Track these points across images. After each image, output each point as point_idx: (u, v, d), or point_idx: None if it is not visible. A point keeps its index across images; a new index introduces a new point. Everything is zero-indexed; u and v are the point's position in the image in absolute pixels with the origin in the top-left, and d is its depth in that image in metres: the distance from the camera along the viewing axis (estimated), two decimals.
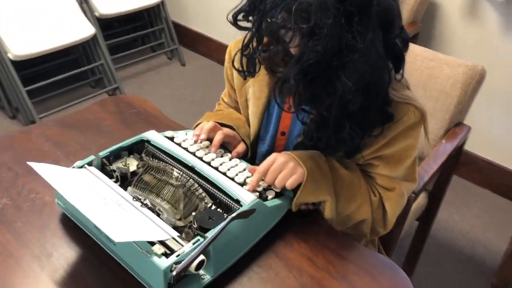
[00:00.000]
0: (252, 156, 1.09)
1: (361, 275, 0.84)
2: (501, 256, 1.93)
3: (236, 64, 0.95)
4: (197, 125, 1.07)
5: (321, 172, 0.90)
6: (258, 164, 0.91)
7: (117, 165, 0.93)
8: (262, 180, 0.90)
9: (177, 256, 0.73)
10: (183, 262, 0.72)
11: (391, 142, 0.92)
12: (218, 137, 0.97)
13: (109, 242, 0.82)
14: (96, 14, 2.64)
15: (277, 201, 0.89)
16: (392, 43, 0.82)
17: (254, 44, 0.87)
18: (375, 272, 0.85)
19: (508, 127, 2.14)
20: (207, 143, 0.98)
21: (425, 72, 1.41)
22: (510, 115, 2.11)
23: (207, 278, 0.78)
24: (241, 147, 1.02)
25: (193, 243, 0.75)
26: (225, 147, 1.02)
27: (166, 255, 0.74)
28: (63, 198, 0.88)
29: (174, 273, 0.72)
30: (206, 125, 0.99)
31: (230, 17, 0.87)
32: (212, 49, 3.17)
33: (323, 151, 0.93)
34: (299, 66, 0.77)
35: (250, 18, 0.85)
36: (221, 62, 3.11)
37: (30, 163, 0.80)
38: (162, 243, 0.76)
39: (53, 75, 2.54)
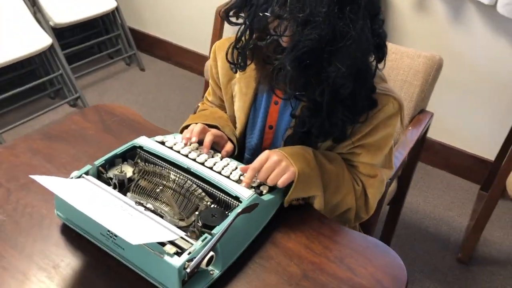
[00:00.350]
0: (239, 150, 1.13)
1: (356, 257, 0.90)
2: (464, 232, 2.07)
3: (229, 57, 1.01)
4: (183, 128, 1.10)
5: (310, 169, 0.95)
6: (247, 158, 0.95)
7: (114, 173, 0.95)
8: (255, 176, 0.95)
9: (188, 254, 0.77)
10: (196, 259, 0.76)
11: (373, 131, 0.99)
12: (208, 138, 1.01)
13: (116, 247, 0.84)
14: (51, 23, 2.59)
15: (272, 195, 0.94)
16: (377, 33, 0.89)
17: (247, 37, 0.93)
18: (368, 254, 0.91)
19: (461, 111, 2.27)
20: (196, 145, 1.02)
21: (388, 64, 1.49)
22: (462, 100, 2.24)
23: (216, 272, 0.82)
24: (229, 146, 1.06)
25: (202, 240, 0.79)
26: (213, 147, 1.05)
27: (178, 254, 0.77)
28: (65, 208, 0.90)
29: (188, 270, 0.75)
30: (196, 127, 1.02)
31: (222, 13, 0.93)
32: (169, 53, 3.17)
33: (316, 138, 0.98)
34: (294, 53, 0.83)
35: (241, 14, 0.91)
36: (179, 64, 3.16)
37: (33, 176, 0.80)
38: (172, 243, 0.79)
39: (10, 88, 2.47)
